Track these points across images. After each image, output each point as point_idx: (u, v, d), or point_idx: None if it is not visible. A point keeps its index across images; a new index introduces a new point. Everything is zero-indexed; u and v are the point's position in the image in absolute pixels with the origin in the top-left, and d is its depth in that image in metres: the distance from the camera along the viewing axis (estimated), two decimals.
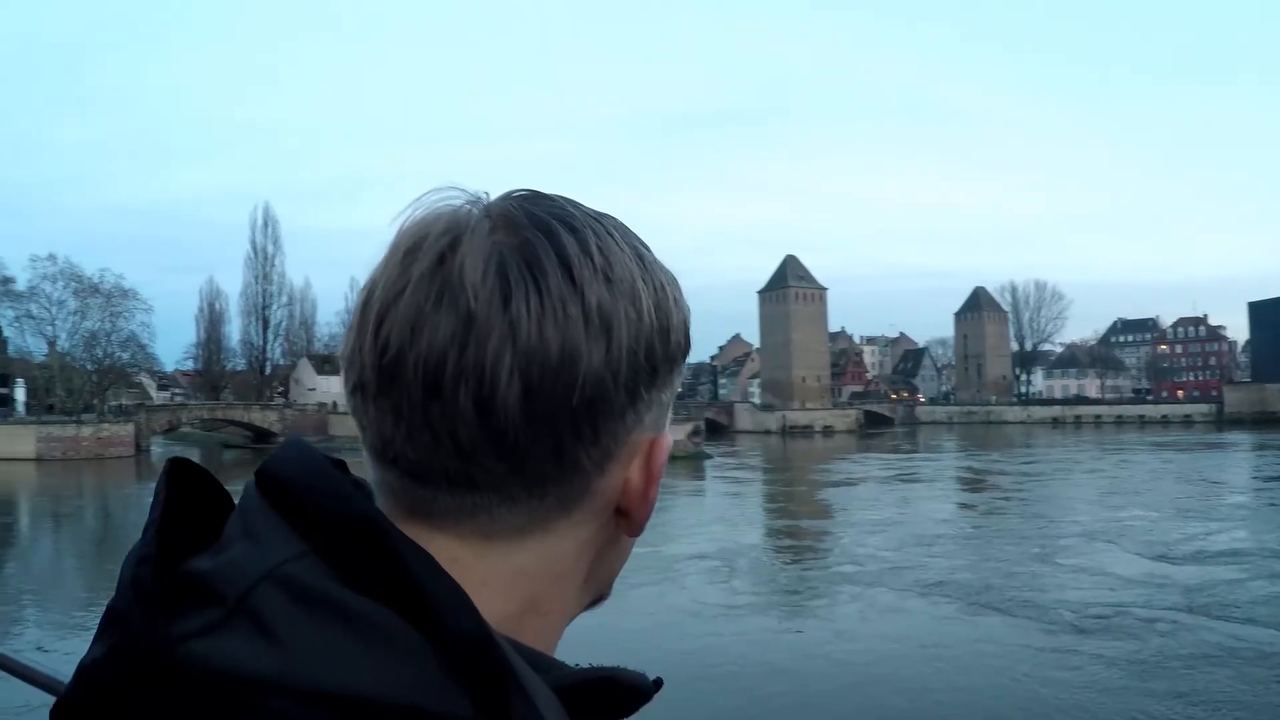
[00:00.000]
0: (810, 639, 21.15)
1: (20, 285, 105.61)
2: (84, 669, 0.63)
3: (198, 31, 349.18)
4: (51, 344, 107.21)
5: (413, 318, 0.65)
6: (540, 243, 0.67)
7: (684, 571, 27.98)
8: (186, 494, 0.70)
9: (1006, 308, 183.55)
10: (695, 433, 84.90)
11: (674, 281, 0.75)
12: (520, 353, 0.64)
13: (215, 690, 0.58)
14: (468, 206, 0.70)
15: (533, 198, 0.71)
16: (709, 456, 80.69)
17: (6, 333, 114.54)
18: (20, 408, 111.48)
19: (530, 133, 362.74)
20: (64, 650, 18.89)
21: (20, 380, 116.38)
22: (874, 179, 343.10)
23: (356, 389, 0.69)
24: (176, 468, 0.71)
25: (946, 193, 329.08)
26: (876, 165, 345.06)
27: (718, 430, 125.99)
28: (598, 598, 0.81)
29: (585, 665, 0.70)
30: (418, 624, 0.59)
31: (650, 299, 0.70)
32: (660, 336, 0.70)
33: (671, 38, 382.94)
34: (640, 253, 0.72)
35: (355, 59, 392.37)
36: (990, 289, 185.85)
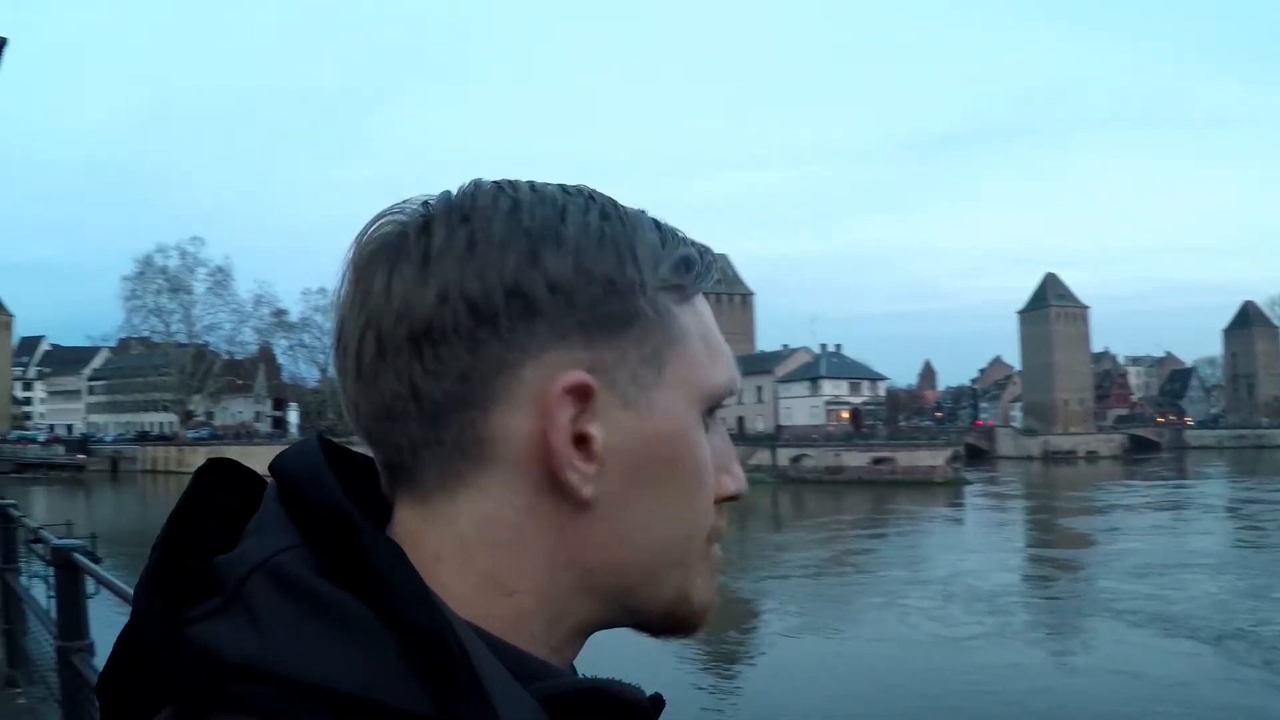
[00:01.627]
0: (1048, 671, 20.81)
1: (293, 316, 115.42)
2: (115, 644, 0.67)
3: (458, 77, 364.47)
4: (323, 371, 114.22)
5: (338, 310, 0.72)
6: (414, 225, 0.70)
7: (927, 598, 28.02)
8: (225, 490, 0.73)
9: (1278, 322, 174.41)
10: (954, 458, 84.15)
11: (580, 224, 0.71)
12: (368, 310, 0.69)
13: (202, 671, 0.61)
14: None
15: (475, 187, 0.73)
16: (968, 483, 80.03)
17: (281, 360, 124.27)
18: (293, 429, 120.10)
19: (789, 159, 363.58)
20: None
21: (294, 404, 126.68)
22: (1133, 190, 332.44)
23: None
24: (212, 466, 0.74)
25: (1210, 202, 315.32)
26: (1135, 176, 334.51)
27: (978, 456, 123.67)
28: (661, 615, 0.74)
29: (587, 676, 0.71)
30: (382, 616, 0.61)
31: (520, 246, 0.69)
32: (528, 270, 0.69)
33: (927, 57, 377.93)
34: (534, 213, 0.70)
35: (606, 95, 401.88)
36: (1259, 303, 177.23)
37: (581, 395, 0.69)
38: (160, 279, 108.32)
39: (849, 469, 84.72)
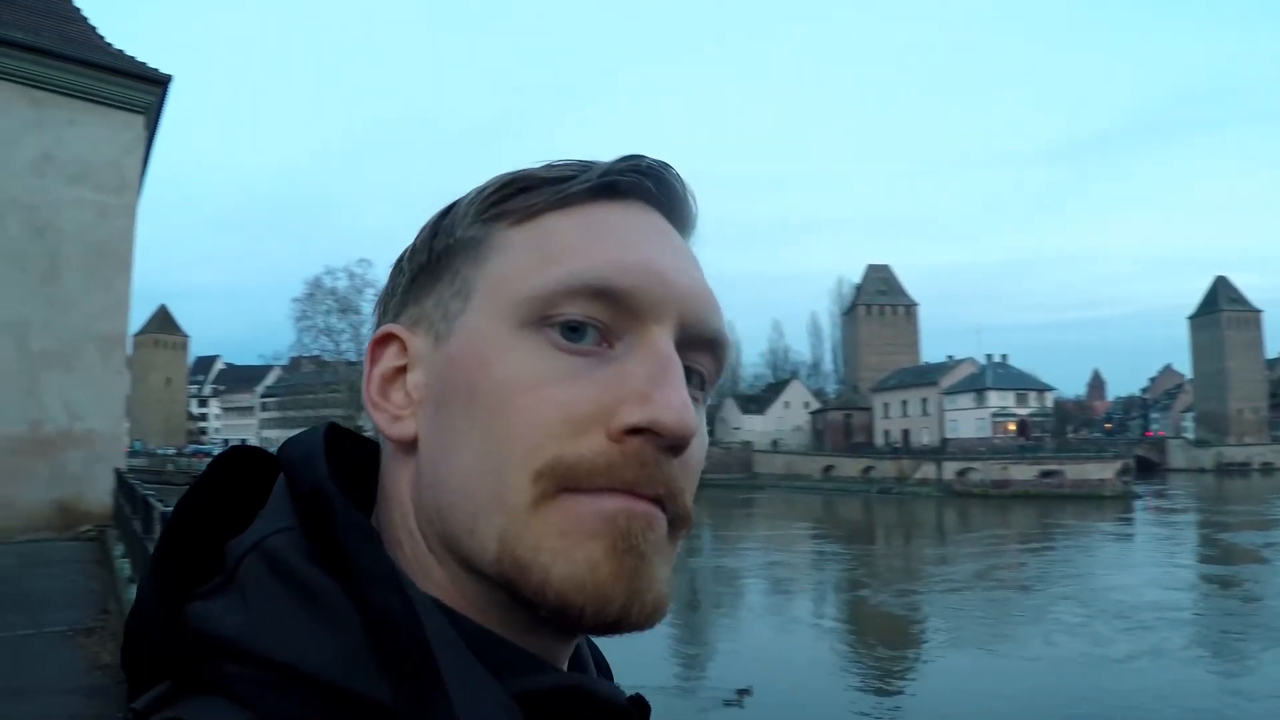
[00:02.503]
0: (1213, 695, 19.97)
1: None
2: (126, 620, 0.68)
3: (604, 107, 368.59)
4: None
5: None
6: None
7: (1089, 615, 27.66)
8: (244, 475, 0.73)
9: None
10: (1124, 471, 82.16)
11: (475, 195, 0.73)
12: None
13: (190, 645, 0.61)
14: None
15: None
16: (1138, 496, 78.19)
17: None
18: None
19: (950, 166, 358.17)
20: None
21: None
22: None
23: None
24: (231, 454, 0.74)
25: None
26: None
27: (1149, 468, 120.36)
28: (502, 577, 0.64)
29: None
30: (353, 599, 0.60)
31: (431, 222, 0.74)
32: (417, 248, 0.74)
33: (1085, 57, 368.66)
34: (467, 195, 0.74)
35: (786, 110, 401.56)
36: None
37: (382, 343, 0.72)
38: (329, 300, 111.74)
39: (1016, 482, 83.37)
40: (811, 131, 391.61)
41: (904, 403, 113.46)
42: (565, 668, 0.71)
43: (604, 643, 0.71)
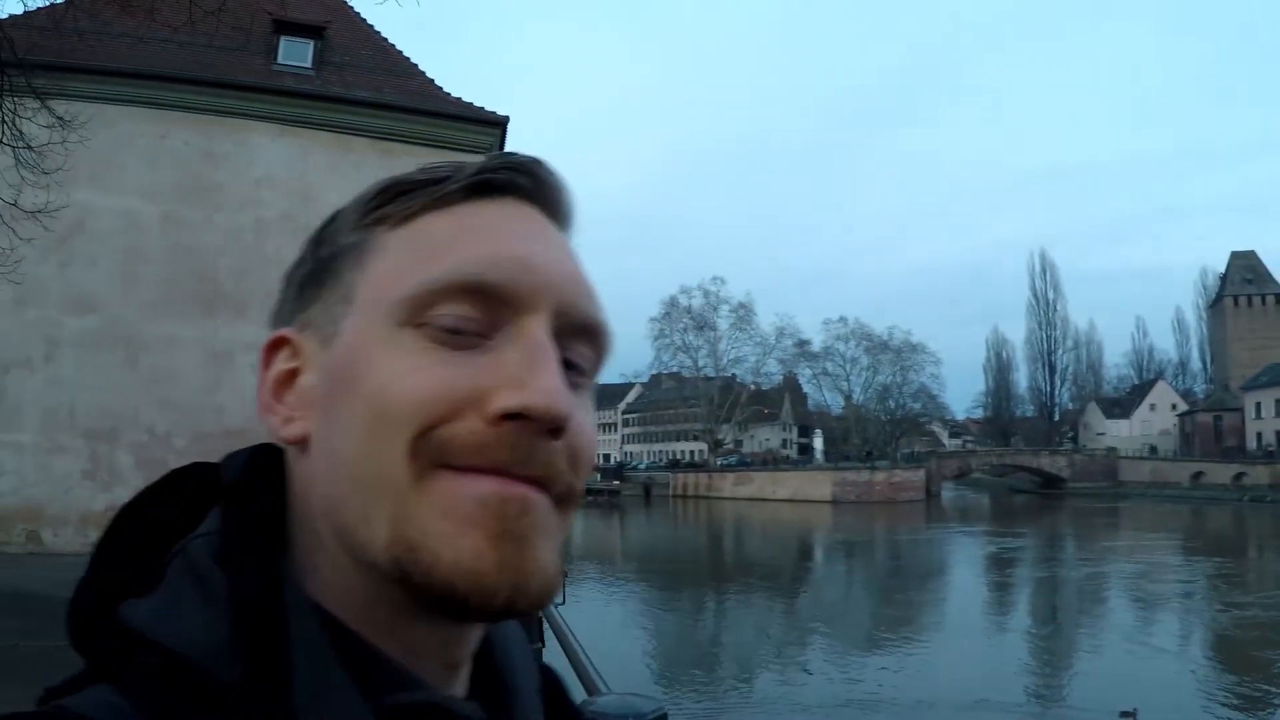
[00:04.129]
0: None
1: (815, 346, 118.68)
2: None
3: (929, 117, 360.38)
4: (847, 397, 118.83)
5: None
6: None
7: None
8: (192, 485, 0.74)
9: None
10: None
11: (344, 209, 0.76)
12: None
13: (116, 639, 0.65)
14: None
15: None
16: None
17: (806, 389, 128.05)
18: (818, 455, 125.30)
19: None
20: (839, 670, 22.16)
21: (818, 431, 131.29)
22: None
23: None
24: (180, 469, 0.76)
25: None
26: None
27: None
28: (395, 570, 0.64)
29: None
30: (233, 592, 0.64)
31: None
32: (304, 258, 0.77)
33: None
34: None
35: (1138, 83, 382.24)
36: None
37: (274, 347, 0.74)
38: (686, 318, 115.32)
39: None
40: (1167, 109, 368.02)
41: (1277, 401, 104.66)
42: (463, 663, 0.73)
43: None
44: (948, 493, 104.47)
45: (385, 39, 24.88)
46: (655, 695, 3.15)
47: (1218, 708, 18.61)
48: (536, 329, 0.68)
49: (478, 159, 0.73)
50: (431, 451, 0.64)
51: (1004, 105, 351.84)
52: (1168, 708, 17.70)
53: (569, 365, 0.71)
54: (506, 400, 0.65)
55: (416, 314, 0.67)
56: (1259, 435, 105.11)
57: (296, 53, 22.67)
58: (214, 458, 0.74)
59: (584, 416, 0.71)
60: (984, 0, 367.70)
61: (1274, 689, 20.49)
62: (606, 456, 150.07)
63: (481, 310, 0.68)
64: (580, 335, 0.72)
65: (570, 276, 0.72)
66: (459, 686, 0.73)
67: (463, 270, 0.68)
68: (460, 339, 0.67)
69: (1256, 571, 42.13)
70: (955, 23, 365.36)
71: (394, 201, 0.73)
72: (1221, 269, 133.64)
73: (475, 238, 0.70)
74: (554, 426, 0.65)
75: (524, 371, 0.66)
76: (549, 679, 0.85)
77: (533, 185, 0.75)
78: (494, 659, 0.78)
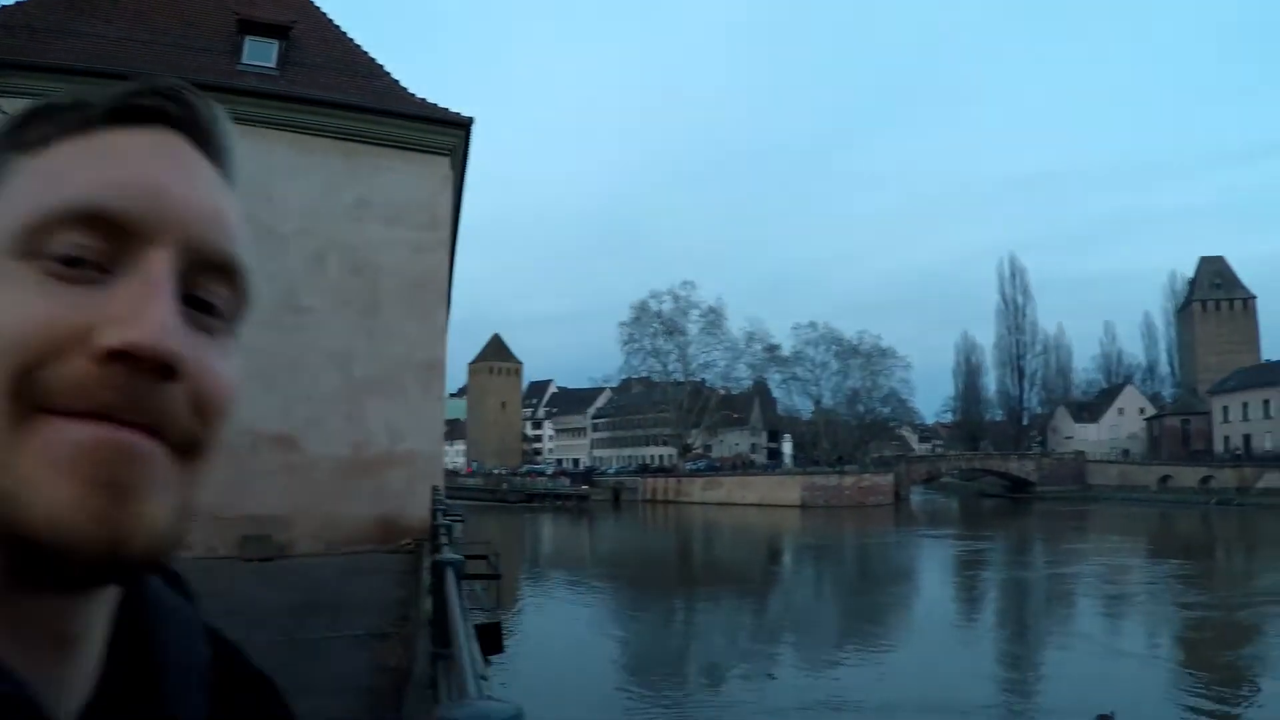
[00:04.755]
0: None
1: (785, 351, 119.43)
2: None
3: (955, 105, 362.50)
4: (816, 402, 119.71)
5: None
6: None
7: None
8: None
9: None
10: None
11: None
12: None
13: None
14: None
15: None
16: None
17: (775, 393, 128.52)
18: (787, 460, 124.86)
19: None
20: (806, 674, 22.30)
21: (788, 435, 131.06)
22: None
23: None
24: None
25: None
26: None
27: None
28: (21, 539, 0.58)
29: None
30: None
31: None
32: None
33: None
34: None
35: (1112, 94, 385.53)
36: None
37: None
38: (656, 323, 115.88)
39: None
40: (1135, 117, 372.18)
41: (1244, 405, 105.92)
42: (80, 638, 0.67)
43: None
44: (916, 497, 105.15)
45: (352, 40, 24.68)
46: (513, 701, 2.90)
47: (1186, 711, 18.68)
48: (157, 262, 0.63)
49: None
50: (33, 394, 0.58)
51: (976, 114, 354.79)
52: (1139, 710, 17.76)
53: (203, 306, 0.66)
54: (109, 337, 0.59)
55: (31, 244, 0.61)
56: (1226, 439, 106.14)
57: (261, 53, 22.39)
58: None
59: (216, 362, 0.65)
60: (956, 12, 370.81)
61: (1242, 690, 20.62)
62: (575, 461, 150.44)
63: (104, 241, 0.62)
64: (215, 273, 0.67)
65: (206, 209, 0.67)
66: (76, 664, 0.66)
67: (81, 197, 0.62)
68: (77, 273, 0.61)
69: (1224, 574, 42.61)
70: (928, 34, 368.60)
71: (34, 126, 0.67)
72: (1190, 274, 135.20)
73: (104, 164, 0.64)
74: (163, 365, 0.60)
75: (133, 307, 0.60)
76: (223, 651, 0.80)
77: (182, 113, 0.69)
78: (141, 633, 0.72)
